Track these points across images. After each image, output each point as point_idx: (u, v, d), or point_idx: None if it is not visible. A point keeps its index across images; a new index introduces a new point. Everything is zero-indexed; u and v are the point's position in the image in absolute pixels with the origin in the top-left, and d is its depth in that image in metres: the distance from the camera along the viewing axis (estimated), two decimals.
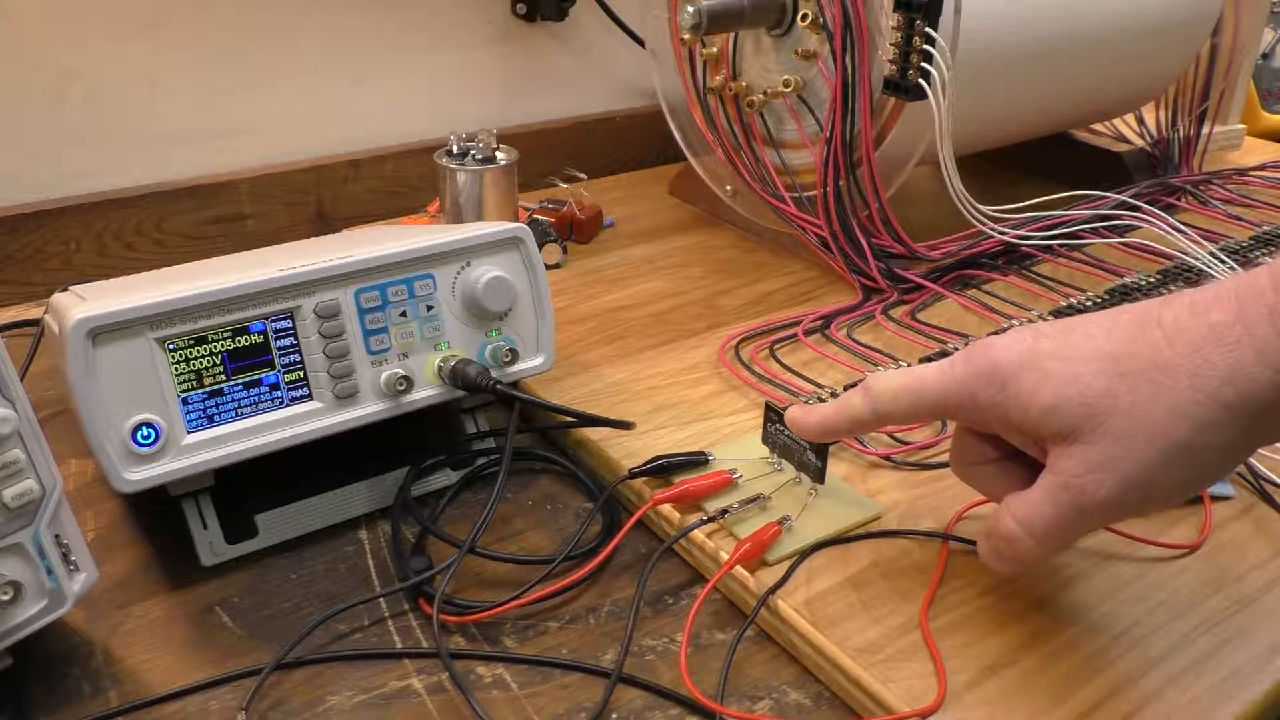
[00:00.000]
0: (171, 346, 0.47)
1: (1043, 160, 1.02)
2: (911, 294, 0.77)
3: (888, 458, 0.57)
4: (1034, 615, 0.47)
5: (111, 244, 0.83)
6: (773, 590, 0.47)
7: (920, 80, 0.69)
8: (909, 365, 0.64)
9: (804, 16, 0.74)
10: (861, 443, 0.58)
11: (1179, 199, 0.95)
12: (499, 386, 0.53)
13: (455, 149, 0.81)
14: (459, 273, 0.55)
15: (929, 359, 0.65)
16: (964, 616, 0.46)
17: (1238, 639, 0.46)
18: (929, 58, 0.68)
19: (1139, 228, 0.81)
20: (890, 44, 0.69)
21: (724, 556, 0.49)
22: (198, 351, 0.48)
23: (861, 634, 0.45)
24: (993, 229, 0.76)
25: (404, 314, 0.53)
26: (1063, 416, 0.39)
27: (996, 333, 0.55)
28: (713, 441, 0.58)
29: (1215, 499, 0.54)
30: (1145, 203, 0.82)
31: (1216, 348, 0.36)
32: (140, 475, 0.47)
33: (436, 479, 0.58)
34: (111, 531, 0.54)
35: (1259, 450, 0.57)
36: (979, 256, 0.81)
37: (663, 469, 0.54)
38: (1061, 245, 0.82)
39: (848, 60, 0.70)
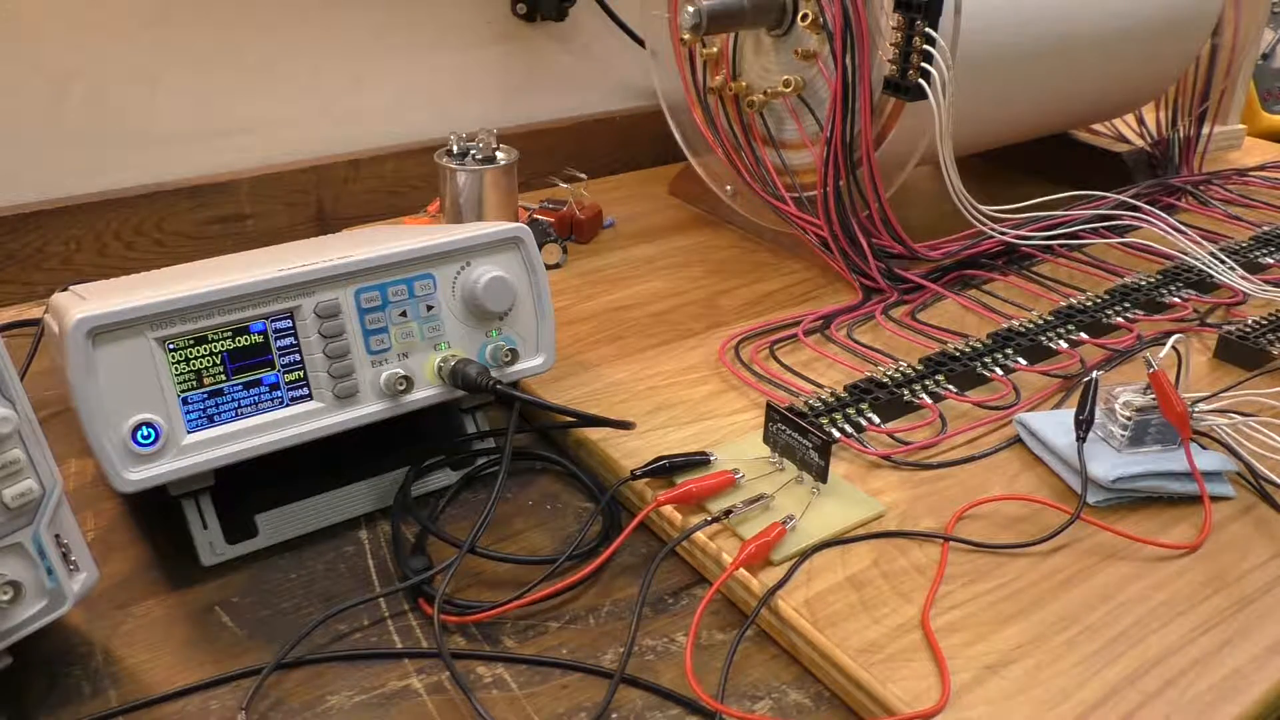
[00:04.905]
0: (171, 346, 0.47)
1: (1043, 160, 1.02)
2: (911, 294, 0.77)
3: (888, 458, 0.57)
4: (1034, 615, 0.47)
5: (111, 244, 0.83)
6: (773, 590, 0.47)
7: (920, 80, 0.69)
8: (908, 365, 0.64)
9: (804, 16, 0.74)
10: (861, 443, 0.58)
11: (1179, 199, 0.95)
12: (499, 386, 0.53)
13: (455, 149, 0.81)
14: (459, 273, 0.55)
15: (928, 359, 0.65)
16: (964, 616, 0.46)
17: (1238, 639, 0.46)
18: (929, 58, 0.68)
19: (1139, 228, 0.81)
20: (890, 44, 0.69)
21: (726, 558, 0.49)
22: (198, 351, 0.48)
23: (861, 634, 0.45)
24: (993, 229, 0.76)
25: (404, 314, 0.53)
26: None
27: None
28: (713, 441, 0.58)
29: (1215, 499, 0.54)
30: (1145, 203, 0.82)
31: None
32: (140, 475, 0.47)
33: (436, 479, 0.58)
34: (111, 531, 0.54)
35: (1259, 450, 0.57)
36: (979, 256, 0.81)
37: (665, 469, 0.54)
38: (1061, 245, 0.82)
39: (848, 60, 0.70)
